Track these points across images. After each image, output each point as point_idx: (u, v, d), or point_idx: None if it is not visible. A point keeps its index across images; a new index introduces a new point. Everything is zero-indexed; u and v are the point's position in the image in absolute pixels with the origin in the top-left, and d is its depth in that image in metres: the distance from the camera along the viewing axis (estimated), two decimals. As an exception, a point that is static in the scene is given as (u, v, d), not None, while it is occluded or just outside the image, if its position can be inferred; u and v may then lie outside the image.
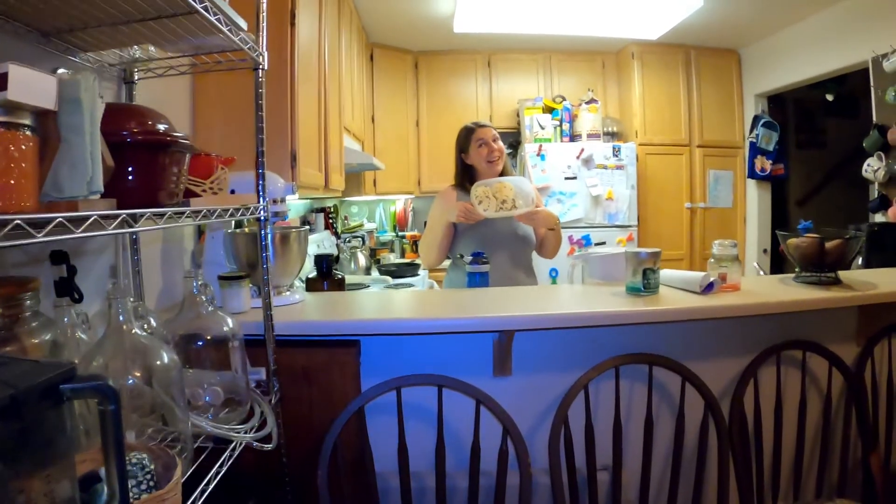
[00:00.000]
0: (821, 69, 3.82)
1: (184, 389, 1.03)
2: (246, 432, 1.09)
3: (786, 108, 5.09)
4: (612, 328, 1.67)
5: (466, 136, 2.29)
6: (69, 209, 0.59)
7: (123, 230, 0.67)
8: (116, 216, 0.66)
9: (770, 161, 4.36)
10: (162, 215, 0.77)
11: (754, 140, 4.37)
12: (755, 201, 4.52)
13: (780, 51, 4.16)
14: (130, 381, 0.90)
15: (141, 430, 0.99)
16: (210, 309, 1.09)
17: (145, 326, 1.22)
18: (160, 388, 0.96)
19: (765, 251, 4.53)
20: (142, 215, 0.71)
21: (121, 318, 0.85)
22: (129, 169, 0.76)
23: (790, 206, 5.34)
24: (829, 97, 4.48)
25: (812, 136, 5.39)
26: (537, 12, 3.58)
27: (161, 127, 0.80)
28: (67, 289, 1.04)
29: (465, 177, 2.31)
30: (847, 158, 5.31)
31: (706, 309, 1.55)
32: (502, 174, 2.24)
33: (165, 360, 0.91)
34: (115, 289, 0.85)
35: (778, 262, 4.76)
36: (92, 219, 0.61)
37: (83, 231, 0.60)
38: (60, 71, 0.63)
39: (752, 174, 4.43)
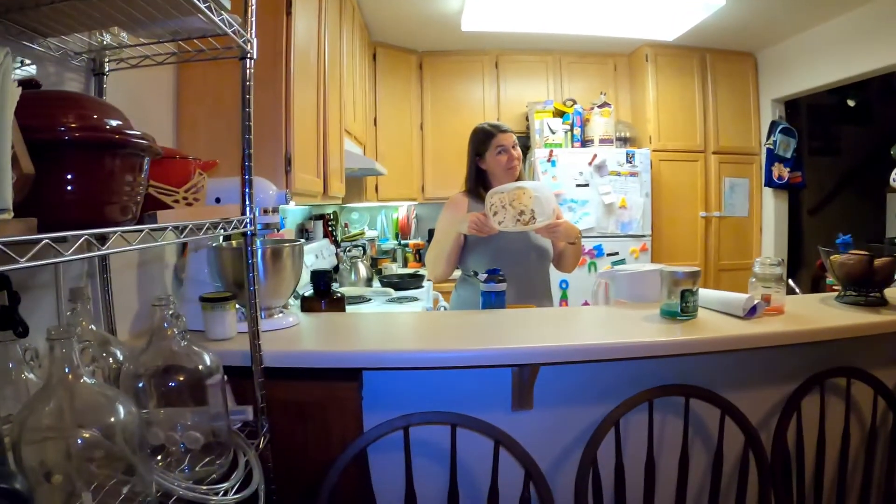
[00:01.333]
0: (844, 73, 3.63)
1: (147, 444, 0.86)
2: (226, 493, 0.90)
3: (799, 113, 4.91)
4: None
5: (484, 140, 2.10)
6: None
7: (47, 261, 0.49)
8: (36, 241, 0.48)
9: (788, 169, 4.18)
10: (105, 238, 0.58)
11: (771, 147, 4.18)
12: (771, 210, 4.33)
13: (799, 54, 3.98)
14: (80, 440, 0.72)
15: (100, 485, 0.82)
16: (183, 344, 0.91)
17: (111, 361, 1.05)
18: (120, 443, 0.79)
19: (781, 261, 4.35)
20: (76, 239, 0.52)
21: (66, 369, 0.66)
22: (65, 177, 0.57)
23: (803, 215, 5.16)
24: (851, 103, 4.31)
25: (825, 143, 5.22)
26: (549, 10, 3.41)
27: (111, 122, 0.62)
28: (10, 321, 0.86)
29: (479, 183, 2.13)
30: (860, 165, 5.14)
31: (753, 337, 1.38)
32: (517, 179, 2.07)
33: (122, 414, 0.73)
34: (58, 329, 0.67)
35: (793, 273, 4.57)
36: (-7, 249, 0.43)
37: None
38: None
39: (769, 182, 4.24)
